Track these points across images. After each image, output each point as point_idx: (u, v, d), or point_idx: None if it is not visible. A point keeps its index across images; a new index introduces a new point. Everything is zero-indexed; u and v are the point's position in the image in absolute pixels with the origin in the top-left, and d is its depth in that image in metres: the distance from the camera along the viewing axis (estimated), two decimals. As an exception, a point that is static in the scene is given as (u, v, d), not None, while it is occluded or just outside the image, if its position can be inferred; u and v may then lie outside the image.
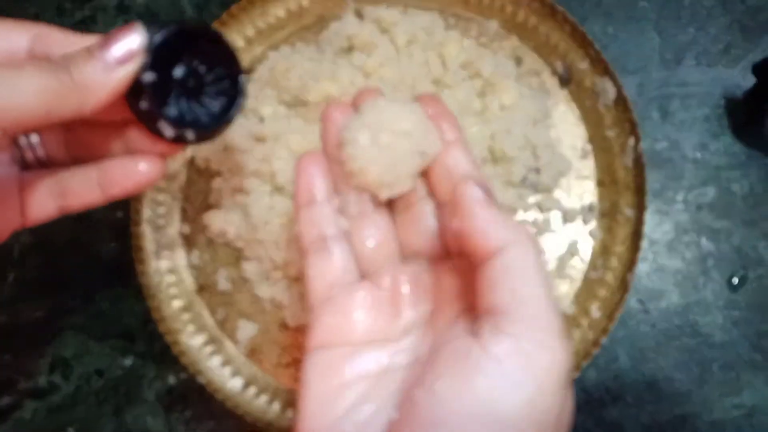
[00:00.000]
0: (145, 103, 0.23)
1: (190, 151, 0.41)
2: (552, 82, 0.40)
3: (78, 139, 0.26)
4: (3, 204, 0.25)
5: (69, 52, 0.21)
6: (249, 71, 0.27)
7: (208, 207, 0.40)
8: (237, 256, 0.40)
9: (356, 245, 0.24)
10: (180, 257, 0.40)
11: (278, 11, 0.42)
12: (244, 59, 0.42)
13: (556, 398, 0.18)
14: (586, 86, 0.39)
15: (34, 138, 0.26)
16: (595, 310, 0.36)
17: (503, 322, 0.18)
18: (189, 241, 0.40)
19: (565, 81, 0.40)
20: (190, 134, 0.24)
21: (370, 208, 0.24)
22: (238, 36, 0.42)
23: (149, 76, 0.22)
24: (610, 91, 0.38)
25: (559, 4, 0.39)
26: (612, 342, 0.38)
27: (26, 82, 0.19)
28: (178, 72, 0.24)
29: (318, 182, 0.24)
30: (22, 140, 0.26)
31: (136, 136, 0.25)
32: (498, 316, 0.18)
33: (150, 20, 0.24)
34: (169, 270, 0.39)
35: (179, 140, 0.24)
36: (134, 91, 0.22)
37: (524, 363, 0.18)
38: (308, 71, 0.38)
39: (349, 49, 0.40)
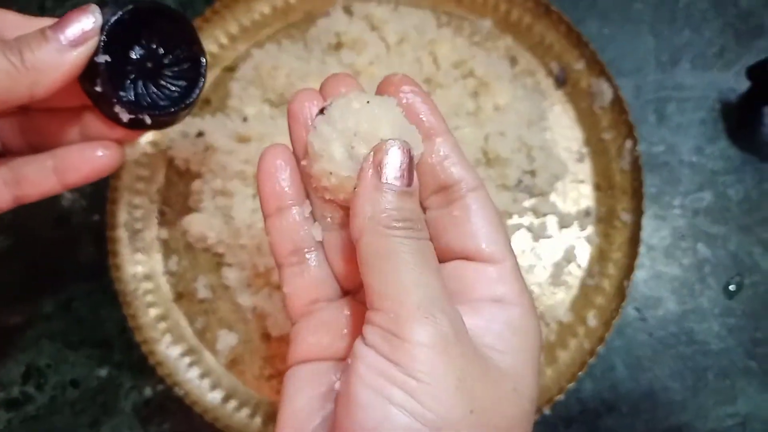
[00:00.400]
0: (100, 85, 0.22)
1: (169, 153, 0.39)
2: (547, 83, 0.39)
3: (34, 127, 0.25)
4: None
5: (22, 34, 0.20)
6: (204, 54, 0.25)
7: (188, 210, 0.38)
8: (217, 262, 0.38)
9: (332, 258, 0.21)
10: (157, 263, 0.38)
11: (263, 8, 0.40)
12: (228, 57, 0.40)
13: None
14: (582, 88, 0.38)
15: None
16: (592, 318, 0.35)
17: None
18: (167, 247, 0.38)
19: (561, 82, 0.39)
20: (147, 118, 0.23)
21: (346, 219, 0.21)
22: (221, 33, 0.40)
23: (104, 58, 0.21)
24: (606, 92, 0.37)
25: (554, 4, 0.38)
26: (609, 351, 0.37)
27: None
28: (136, 54, 0.23)
29: (286, 186, 0.21)
30: None
31: (93, 122, 0.24)
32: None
33: (107, 1, 0.22)
34: (146, 276, 0.37)
35: (136, 124, 0.23)
36: (89, 73, 0.22)
37: None
38: (295, 70, 0.37)
39: (338, 47, 0.39)
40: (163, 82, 0.24)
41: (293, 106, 0.21)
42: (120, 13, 0.22)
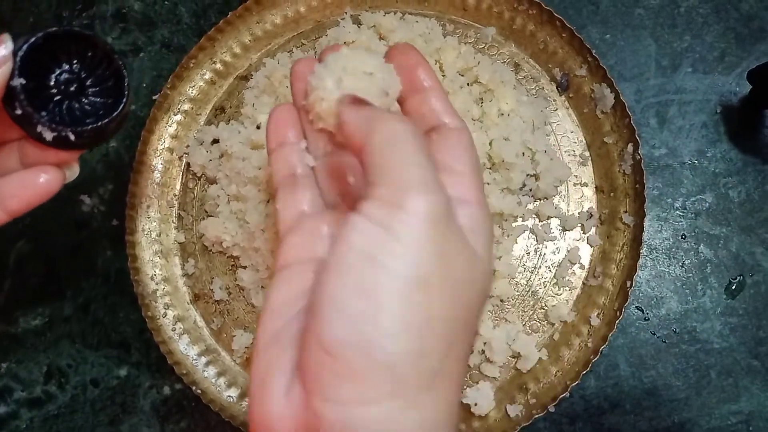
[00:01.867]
0: (20, 108, 0.23)
1: (186, 159, 0.40)
2: (550, 89, 0.40)
3: None
4: None
5: None
6: (125, 67, 0.27)
7: (204, 215, 0.40)
8: (233, 264, 0.39)
9: (321, 181, 0.25)
10: (175, 266, 0.39)
11: (275, 18, 0.42)
12: (242, 66, 0.42)
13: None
14: (584, 93, 0.39)
15: None
16: (595, 318, 0.36)
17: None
18: (184, 250, 0.40)
19: (564, 87, 0.40)
20: (71, 135, 0.24)
21: (334, 147, 0.25)
22: (235, 43, 0.42)
23: (19, 81, 0.23)
24: (608, 97, 0.38)
25: (556, 10, 0.39)
26: (611, 349, 0.37)
27: None
28: (57, 77, 0.25)
29: (288, 127, 0.25)
30: None
31: (30, 149, 0.25)
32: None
33: (24, 31, 0.24)
34: (164, 279, 0.39)
35: (61, 142, 0.24)
36: (8, 98, 0.23)
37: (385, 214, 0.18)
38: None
39: (347, 56, 0.40)
40: (86, 101, 0.25)
41: (296, 68, 0.25)
42: (33, 39, 0.23)
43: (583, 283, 0.38)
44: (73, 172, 0.27)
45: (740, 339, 0.37)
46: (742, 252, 0.38)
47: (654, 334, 0.38)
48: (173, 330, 0.38)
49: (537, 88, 0.40)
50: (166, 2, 0.45)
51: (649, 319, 0.38)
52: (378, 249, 0.18)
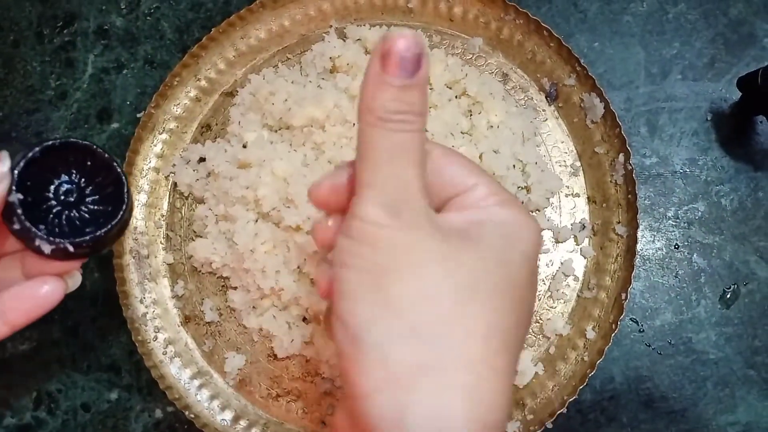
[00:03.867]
0: (17, 222, 0.23)
1: (172, 179, 0.40)
2: (539, 99, 0.40)
3: None
4: None
5: None
6: (127, 178, 0.27)
7: (193, 235, 0.39)
8: (223, 285, 0.39)
9: None
10: (164, 288, 0.39)
11: (259, 33, 0.41)
12: (227, 82, 0.41)
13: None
14: (574, 102, 0.39)
15: None
16: (590, 331, 0.36)
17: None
18: (173, 271, 0.39)
19: (553, 97, 0.40)
20: (69, 246, 0.24)
21: None
22: (219, 59, 0.41)
23: (16, 197, 0.23)
24: (597, 107, 0.38)
25: (544, 19, 0.38)
26: (607, 362, 0.37)
27: None
28: (55, 188, 0.25)
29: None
30: None
31: (31, 260, 0.25)
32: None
33: (21, 145, 0.24)
34: (153, 302, 0.38)
35: (60, 254, 0.24)
36: (6, 213, 0.23)
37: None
38: (292, 95, 0.38)
39: (333, 71, 0.39)
40: (86, 209, 0.25)
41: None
42: (30, 153, 0.23)
43: (578, 296, 0.37)
44: (75, 281, 0.27)
45: (736, 349, 0.37)
46: (736, 261, 0.38)
47: (649, 345, 0.37)
48: (164, 353, 0.37)
49: (526, 98, 0.40)
50: (148, 18, 0.44)
51: (644, 330, 0.38)
52: (348, 261, 0.19)
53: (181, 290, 0.39)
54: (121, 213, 0.25)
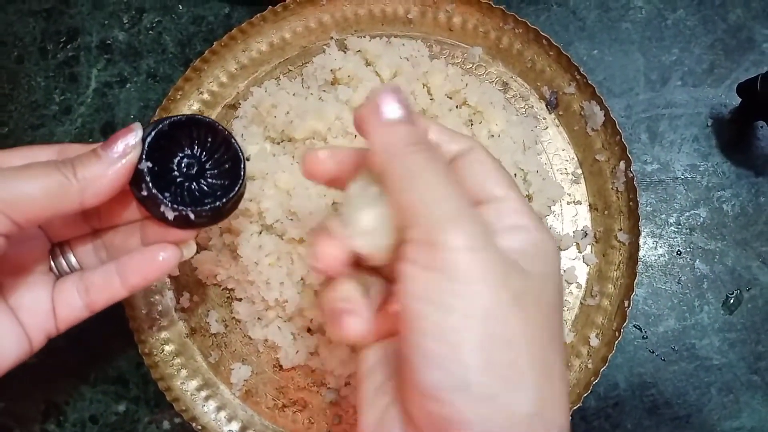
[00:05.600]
0: (145, 189, 0.25)
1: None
2: (540, 107, 0.40)
3: (103, 243, 0.29)
4: (38, 309, 0.27)
5: (78, 155, 0.24)
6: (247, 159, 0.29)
7: (197, 248, 0.39)
8: (228, 296, 0.39)
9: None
10: (170, 300, 0.39)
11: (261, 45, 0.41)
12: (229, 95, 0.42)
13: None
14: (574, 110, 0.39)
15: (69, 253, 0.29)
16: (594, 338, 0.36)
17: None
18: (178, 283, 0.39)
19: (553, 106, 0.40)
20: (191, 214, 0.25)
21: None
22: (221, 72, 0.41)
23: (146, 165, 0.24)
24: (597, 114, 0.38)
25: (543, 28, 0.39)
26: (611, 369, 0.37)
27: (32, 178, 0.22)
28: (179, 160, 0.26)
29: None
30: (57, 252, 0.28)
31: (150, 229, 0.27)
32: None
33: (152, 121, 0.27)
34: (159, 314, 0.39)
35: (182, 222, 0.26)
36: (136, 180, 0.25)
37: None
38: (293, 107, 0.38)
39: (334, 83, 0.40)
40: (205, 182, 0.27)
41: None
42: (159, 126, 0.25)
43: (581, 303, 0.37)
44: (190, 250, 0.29)
45: (739, 354, 0.37)
46: (738, 266, 0.38)
47: (653, 352, 0.38)
48: (171, 366, 0.38)
49: (526, 106, 0.40)
50: (150, 32, 0.44)
51: (647, 337, 0.38)
52: (437, 292, 0.18)
53: (187, 302, 0.39)
54: (238, 187, 0.27)
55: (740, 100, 0.39)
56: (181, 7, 0.44)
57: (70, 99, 0.44)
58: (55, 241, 0.29)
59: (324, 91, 0.39)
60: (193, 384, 0.38)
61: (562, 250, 0.38)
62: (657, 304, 0.38)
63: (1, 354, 0.26)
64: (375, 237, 0.21)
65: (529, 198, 0.38)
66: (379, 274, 0.24)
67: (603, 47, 0.42)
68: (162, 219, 0.25)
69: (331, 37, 0.41)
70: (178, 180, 0.26)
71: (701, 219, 0.39)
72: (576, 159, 0.39)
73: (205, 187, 0.27)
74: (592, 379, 0.35)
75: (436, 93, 0.39)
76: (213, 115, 0.42)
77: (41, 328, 0.27)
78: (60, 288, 0.28)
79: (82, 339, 0.41)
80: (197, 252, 0.39)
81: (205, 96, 0.41)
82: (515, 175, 0.38)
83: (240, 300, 0.38)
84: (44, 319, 0.27)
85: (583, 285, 0.38)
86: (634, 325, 0.38)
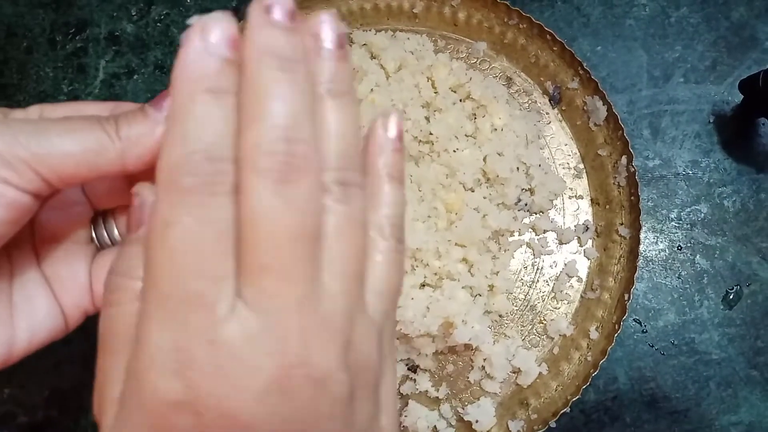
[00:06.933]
0: None
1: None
2: (543, 102, 0.40)
3: None
4: (74, 282, 0.24)
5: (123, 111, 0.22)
6: None
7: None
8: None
9: None
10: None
11: (267, 38, 0.42)
12: (234, 86, 0.42)
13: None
14: (577, 105, 0.39)
15: (111, 223, 0.26)
16: (594, 331, 0.36)
17: None
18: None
19: (556, 100, 0.40)
20: None
21: None
22: (227, 64, 0.42)
23: None
24: (600, 109, 0.38)
25: (547, 24, 0.39)
26: (610, 362, 0.38)
27: (68, 132, 0.20)
28: None
29: None
30: (99, 221, 0.26)
31: None
32: None
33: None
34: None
35: None
36: None
37: None
38: (299, 99, 0.38)
39: (339, 75, 0.40)
40: None
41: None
42: None
43: (581, 297, 0.38)
44: None
45: (738, 349, 0.37)
46: (739, 262, 0.38)
47: (652, 346, 0.38)
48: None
49: (530, 101, 0.41)
50: (158, 24, 0.45)
51: (647, 331, 0.38)
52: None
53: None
54: None
55: (742, 97, 0.40)
56: (188, -1, 0.45)
57: (78, 89, 0.44)
58: (98, 208, 0.26)
59: (329, 83, 0.39)
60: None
61: (563, 244, 0.39)
62: (657, 298, 0.38)
63: (33, 327, 0.23)
64: None
65: (531, 191, 0.38)
66: None
67: (606, 43, 0.42)
68: None
69: (337, 31, 0.42)
70: None
71: (702, 215, 0.39)
72: (578, 153, 0.40)
73: None
74: (591, 371, 0.35)
75: (441, 86, 0.39)
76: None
77: (77, 304, 0.25)
78: (99, 262, 0.25)
79: (87, 326, 0.41)
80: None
81: (211, 87, 0.42)
82: (517, 168, 0.38)
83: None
84: (80, 294, 0.25)
85: (584, 279, 0.38)
86: (634, 320, 0.38)
